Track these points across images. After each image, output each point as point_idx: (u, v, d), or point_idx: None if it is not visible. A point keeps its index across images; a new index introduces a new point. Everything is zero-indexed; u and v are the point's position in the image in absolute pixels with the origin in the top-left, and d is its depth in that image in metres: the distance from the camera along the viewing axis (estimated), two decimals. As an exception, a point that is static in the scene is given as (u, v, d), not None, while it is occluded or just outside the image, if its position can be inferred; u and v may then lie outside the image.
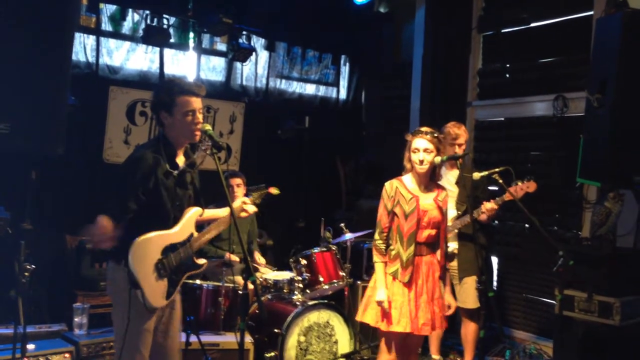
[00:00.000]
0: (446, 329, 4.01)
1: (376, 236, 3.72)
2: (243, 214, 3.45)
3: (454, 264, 4.45)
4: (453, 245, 4.44)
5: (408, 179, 3.71)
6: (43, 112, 3.56)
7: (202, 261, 3.26)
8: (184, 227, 3.14)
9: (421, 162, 3.58)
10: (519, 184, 4.18)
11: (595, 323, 4.27)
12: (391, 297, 3.60)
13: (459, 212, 4.42)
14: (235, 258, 4.98)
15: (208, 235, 3.27)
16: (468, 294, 4.44)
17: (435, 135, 3.60)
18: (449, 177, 4.48)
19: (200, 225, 3.31)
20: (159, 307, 3.03)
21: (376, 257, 3.70)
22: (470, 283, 4.43)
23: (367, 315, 3.71)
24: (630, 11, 4.10)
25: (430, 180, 3.70)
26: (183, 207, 3.17)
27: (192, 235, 3.18)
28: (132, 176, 2.96)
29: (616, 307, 4.18)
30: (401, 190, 3.66)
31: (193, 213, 3.20)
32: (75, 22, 3.93)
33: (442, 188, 3.76)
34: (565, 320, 4.34)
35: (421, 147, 3.58)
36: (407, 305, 3.57)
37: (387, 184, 3.71)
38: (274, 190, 3.64)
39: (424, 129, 3.63)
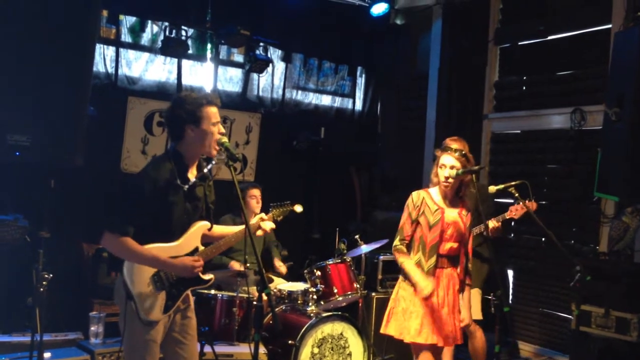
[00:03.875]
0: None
1: (396, 242, 3.72)
2: (259, 232, 3.35)
3: None
4: None
5: (435, 192, 3.74)
6: (63, 124, 3.60)
7: (208, 276, 3.13)
8: (187, 240, 3.05)
9: (446, 179, 3.60)
10: (520, 203, 4.21)
11: (612, 339, 4.22)
12: (412, 308, 3.61)
13: None
14: (238, 267, 4.91)
15: (216, 250, 3.17)
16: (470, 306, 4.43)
17: (464, 153, 3.58)
18: None
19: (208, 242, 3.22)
20: (154, 320, 2.97)
21: (400, 258, 3.68)
22: (473, 295, 4.40)
23: (390, 327, 3.72)
24: (649, 25, 4.09)
25: (456, 195, 3.71)
26: (191, 221, 3.08)
27: (196, 249, 3.09)
28: (140, 194, 2.88)
29: (634, 323, 4.13)
30: (427, 201, 3.68)
31: (199, 226, 3.10)
32: (96, 34, 3.97)
33: (467, 204, 3.77)
34: (581, 336, 4.30)
35: (448, 164, 3.59)
36: (429, 317, 3.58)
37: (414, 194, 3.73)
38: (297, 208, 3.60)
39: (453, 145, 3.61)
